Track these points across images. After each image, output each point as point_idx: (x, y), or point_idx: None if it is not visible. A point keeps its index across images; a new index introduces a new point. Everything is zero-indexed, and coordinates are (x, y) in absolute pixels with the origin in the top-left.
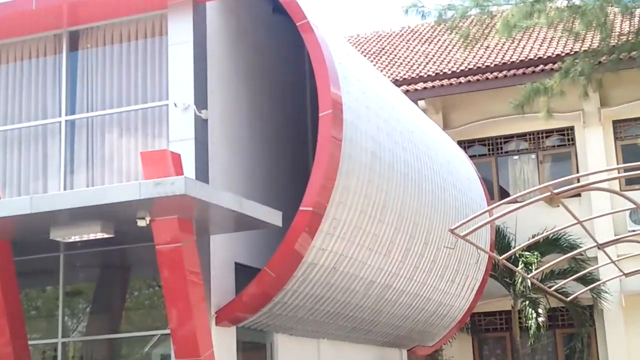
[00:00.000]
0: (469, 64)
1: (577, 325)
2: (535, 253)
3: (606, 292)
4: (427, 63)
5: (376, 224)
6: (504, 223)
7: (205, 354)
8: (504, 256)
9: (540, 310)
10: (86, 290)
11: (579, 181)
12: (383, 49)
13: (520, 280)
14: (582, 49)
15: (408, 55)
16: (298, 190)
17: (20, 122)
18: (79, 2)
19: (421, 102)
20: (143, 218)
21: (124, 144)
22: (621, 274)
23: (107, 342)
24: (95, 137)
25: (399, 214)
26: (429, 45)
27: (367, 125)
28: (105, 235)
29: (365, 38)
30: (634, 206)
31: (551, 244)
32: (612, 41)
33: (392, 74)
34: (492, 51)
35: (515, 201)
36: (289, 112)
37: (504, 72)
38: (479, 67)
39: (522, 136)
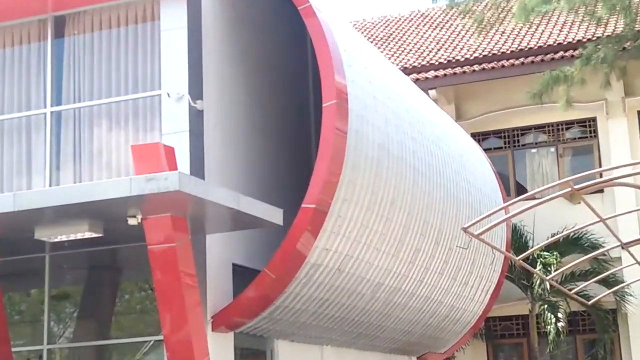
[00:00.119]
0: (483, 51)
1: (599, 330)
2: (555, 253)
3: (631, 295)
4: (439, 50)
5: (384, 222)
6: (521, 221)
7: None
8: (521, 256)
9: (559, 315)
10: (73, 294)
11: (601, 176)
12: (391, 34)
13: (538, 282)
14: (605, 34)
15: (418, 42)
16: (300, 186)
17: (2, 113)
18: None
19: (432, 92)
20: (134, 216)
21: (113, 137)
22: None
23: (96, 349)
24: (82, 129)
25: (408, 211)
26: (440, 30)
27: (374, 116)
28: (94, 235)
29: (372, 23)
30: None
31: (572, 243)
32: (636, 26)
33: (400, 62)
34: (509, 37)
35: (533, 197)
36: (290, 103)
37: (521, 60)
38: (494, 54)
39: (540, 128)
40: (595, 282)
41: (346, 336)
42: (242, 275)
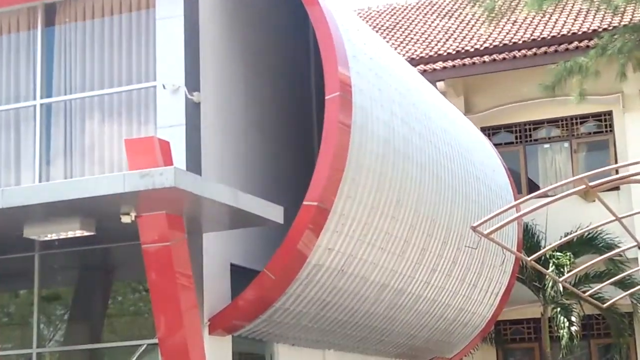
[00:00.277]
0: (494, 41)
1: (614, 334)
2: (568, 254)
3: None
4: (447, 40)
5: (389, 220)
6: (533, 220)
7: None
8: (532, 257)
9: (573, 318)
10: (64, 295)
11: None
12: (397, 23)
13: (550, 284)
14: (622, 23)
15: (425, 31)
16: (301, 182)
17: None
18: None
19: (440, 84)
20: (128, 214)
21: (106, 130)
22: None
23: (88, 353)
24: (74, 122)
25: (414, 209)
26: (449, 19)
27: (379, 109)
28: (86, 233)
29: (378, 12)
30: None
31: (586, 243)
32: None
33: (407, 52)
34: (520, 26)
35: (545, 195)
36: (291, 96)
37: (534, 50)
38: (505, 45)
39: (553, 122)
40: (611, 284)
41: (349, 340)
42: (240, 276)
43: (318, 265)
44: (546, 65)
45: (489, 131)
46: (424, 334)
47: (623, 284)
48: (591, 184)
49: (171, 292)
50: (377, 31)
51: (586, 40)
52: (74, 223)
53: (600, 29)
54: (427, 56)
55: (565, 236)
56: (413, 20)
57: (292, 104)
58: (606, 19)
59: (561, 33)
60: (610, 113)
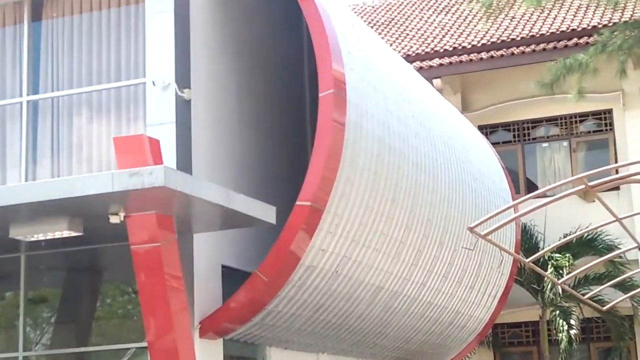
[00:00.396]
0: (491, 37)
1: (614, 338)
2: (567, 255)
3: None
4: (444, 36)
5: (384, 221)
6: (532, 220)
7: None
8: (531, 259)
9: (572, 321)
10: (51, 297)
11: (617, 172)
12: (393, 19)
13: (549, 286)
14: (622, 19)
15: (422, 27)
16: (294, 182)
17: None
18: None
19: (437, 81)
20: (116, 214)
21: (94, 128)
22: None
23: (75, 357)
24: (61, 120)
25: (410, 210)
26: (445, 15)
27: (374, 107)
28: (73, 234)
29: (373, 7)
30: None
31: (585, 244)
32: None
33: (403, 49)
34: (519, 22)
35: (544, 195)
36: (284, 93)
37: (532, 47)
38: (503, 41)
39: (552, 120)
40: (611, 286)
41: (343, 344)
42: (232, 278)
43: (311, 266)
44: (545, 62)
45: (487, 130)
46: (419, 338)
47: (623, 286)
48: (591, 183)
49: (161, 294)
50: (372, 27)
51: (586, 37)
52: (62, 223)
53: (600, 26)
54: (423, 53)
55: (565, 237)
56: (409, 16)
57: (286, 102)
58: (606, 15)
59: (560, 29)
60: (610, 111)
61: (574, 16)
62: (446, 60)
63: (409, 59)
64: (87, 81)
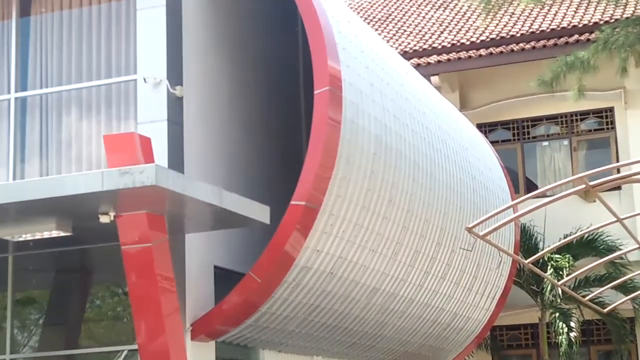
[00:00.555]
0: (490, 34)
1: (615, 341)
2: (567, 256)
3: None
4: (442, 32)
5: (381, 221)
6: (531, 221)
7: None
8: (530, 260)
9: (572, 324)
10: (39, 299)
11: (619, 172)
12: (390, 15)
13: (549, 288)
14: (624, 16)
15: (419, 23)
16: (289, 181)
17: None
18: None
19: (434, 78)
20: (107, 213)
21: (84, 126)
22: None
23: (64, 359)
24: (50, 118)
25: (407, 209)
26: (444, 11)
27: (370, 105)
28: (62, 234)
29: (370, 3)
30: None
31: (586, 245)
32: None
33: (400, 45)
34: (519, 18)
35: (544, 195)
36: (279, 90)
37: (532, 43)
38: (502, 37)
39: (552, 119)
40: (612, 288)
41: (339, 346)
42: (224, 279)
43: (306, 267)
44: (545, 59)
45: (485, 128)
46: (416, 340)
47: (624, 288)
48: (591, 183)
49: (152, 295)
50: (369, 23)
51: (587, 34)
52: (50, 223)
53: (601, 22)
54: (421, 49)
55: (565, 238)
56: (406, 12)
57: (280, 99)
58: (607, 11)
59: (561, 26)
60: (611, 109)
61: (575, 12)
62: (444, 57)
63: (406, 55)
64: (76, 78)
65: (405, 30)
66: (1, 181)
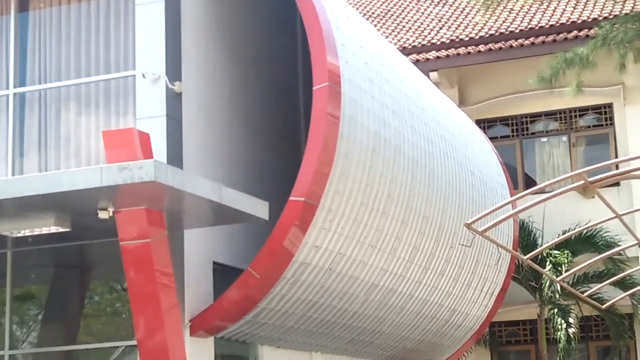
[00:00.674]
0: (489, 30)
1: (614, 337)
2: (566, 252)
3: None
4: (441, 28)
5: (379, 217)
6: (530, 217)
7: None
8: (529, 255)
9: (571, 320)
10: (38, 294)
11: (617, 167)
12: (389, 11)
13: (547, 284)
14: (623, 12)
15: (418, 19)
16: (288, 177)
17: None
18: None
19: (433, 74)
20: (105, 209)
21: (83, 121)
22: None
23: (63, 355)
24: (49, 113)
25: (406, 205)
26: (442, 6)
27: (369, 101)
28: (61, 229)
29: None
30: None
31: (585, 241)
32: None
33: (399, 41)
34: (517, 14)
35: (542, 191)
36: (278, 86)
37: (531, 39)
38: (501, 33)
39: (551, 115)
40: (610, 284)
41: (337, 342)
42: (223, 275)
43: (305, 263)
44: (544, 55)
45: (484, 124)
46: (415, 336)
47: (623, 284)
48: (590, 179)
49: (151, 291)
50: (367, 19)
51: (586, 30)
52: (49, 219)
53: (600, 18)
54: (419, 45)
55: (563, 234)
56: (405, 8)
57: (279, 95)
58: (607, 7)
59: (560, 22)
60: (610, 105)
61: (574, 8)
62: (443, 52)
63: (405, 51)
64: (75, 73)
65: (404, 26)
66: (0, 177)
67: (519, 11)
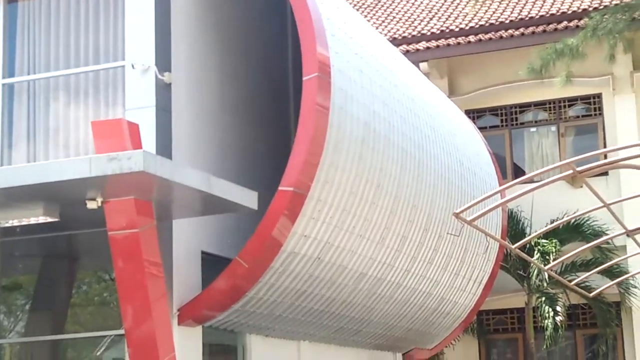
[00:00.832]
0: (479, 20)
1: (601, 325)
2: (554, 241)
3: (635, 287)
4: (431, 18)
5: (368, 207)
6: (518, 206)
7: (166, 359)
8: (517, 245)
9: (558, 308)
10: (26, 284)
11: (606, 157)
12: (379, 1)
13: (535, 272)
14: (613, 2)
15: (408, 9)
16: (277, 167)
17: None
18: None
19: (423, 65)
20: (94, 199)
21: (72, 112)
22: None
23: (51, 345)
24: (38, 104)
25: (395, 195)
26: None
27: (359, 91)
28: (49, 220)
29: None
30: None
31: (573, 230)
32: None
33: (389, 31)
34: (508, 5)
35: (531, 180)
36: (267, 76)
37: (521, 30)
38: (491, 24)
39: (540, 105)
40: (598, 272)
41: (325, 331)
42: (212, 265)
43: (293, 253)
44: (534, 45)
45: (474, 114)
46: (403, 324)
47: (610, 273)
48: (579, 169)
49: (139, 281)
50: (358, 9)
51: (576, 20)
52: (37, 209)
53: (590, 9)
54: (409, 36)
55: (552, 223)
56: None
57: (269, 85)
58: None
59: (550, 12)
60: (599, 96)
61: None
62: (433, 43)
63: (395, 42)
64: (64, 64)
65: (394, 17)
66: None
67: (509, 2)
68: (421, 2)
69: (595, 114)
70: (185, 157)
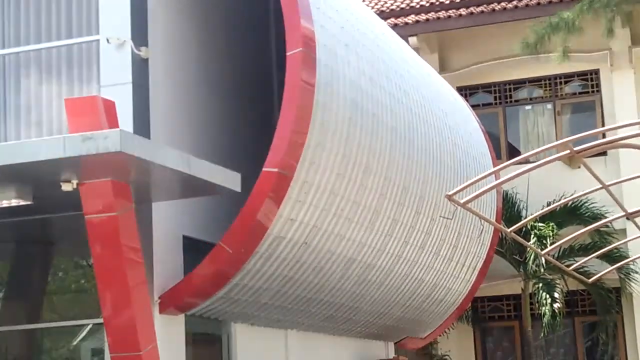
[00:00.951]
0: None
1: (600, 312)
2: (551, 224)
3: (636, 272)
4: None
5: (357, 189)
6: (514, 188)
7: (147, 348)
8: (512, 228)
9: (556, 294)
10: None
11: (604, 136)
12: None
13: (532, 257)
14: None
15: None
16: (261, 147)
17: None
18: None
19: (412, 39)
20: (69, 181)
21: (44, 89)
22: None
23: (26, 334)
24: (7, 81)
25: (385, 176)
26: None
27: (346, 67)
28: (22, 202)
29: None
30: None
31: (570, 213)
32: None
33: (377, 4)
34: None
35: (527, 161)
36: (249, 51)
37: (514, 3)
38: None
39: (535, 81)
40: (597, 257)
41: (313, 319)
42: (194, 250)
43: (279, 237)
44: (528, 19)
45: (466, 91)
46: (394, 312)
47: (610, 258)
48: (576, 148)
49: (118, 267)
50: None
51: None
52: (9, 191)
53: None
54: (398, 9)
55: (548, 205)
56: None
57: (251, 61)
58: None
59: None
60: (597, 72)
61: None
62: (423, 16)
63: (383, 15)
64: (35, 38)
65: None
66: None
67: None
68: None
69: (592, 91)
70: (164, 137)
